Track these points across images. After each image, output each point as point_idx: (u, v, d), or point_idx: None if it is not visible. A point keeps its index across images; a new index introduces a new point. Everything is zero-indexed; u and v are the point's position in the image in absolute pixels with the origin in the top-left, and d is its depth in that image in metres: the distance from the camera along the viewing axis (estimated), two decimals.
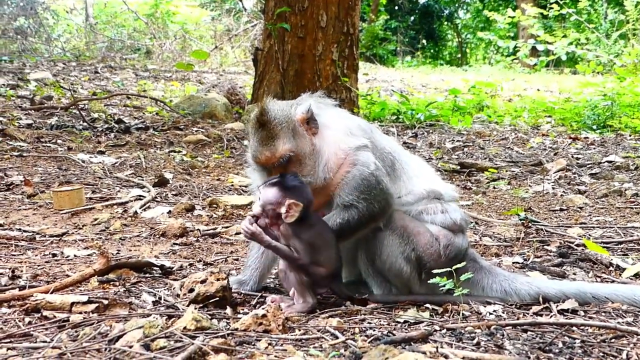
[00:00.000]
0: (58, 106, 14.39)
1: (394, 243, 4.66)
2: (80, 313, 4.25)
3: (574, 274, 5.46)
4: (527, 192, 9.14)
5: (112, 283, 4.99)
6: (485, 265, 5.02)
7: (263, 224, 4.51)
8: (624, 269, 5.50)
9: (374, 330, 4.05)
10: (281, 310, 4.11)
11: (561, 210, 8.09)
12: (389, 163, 4.85)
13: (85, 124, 12.92)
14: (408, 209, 4.83)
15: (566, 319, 4.32)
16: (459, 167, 10.77)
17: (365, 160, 4.67)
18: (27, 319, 4.16)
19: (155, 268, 5.36)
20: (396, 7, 50.39)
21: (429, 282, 4.59)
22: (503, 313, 4.51)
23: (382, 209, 4.65)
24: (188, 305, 4.41)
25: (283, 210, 4.40)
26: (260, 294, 4.84)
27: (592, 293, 4.71)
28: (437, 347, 3.66)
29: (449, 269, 4.52)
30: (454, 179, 10.05)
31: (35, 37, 27.45)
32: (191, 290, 4.53)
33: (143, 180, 8.98)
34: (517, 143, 13.53)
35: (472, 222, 6.59)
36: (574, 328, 4.10)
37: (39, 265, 5.47)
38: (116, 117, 14.03)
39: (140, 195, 8.06)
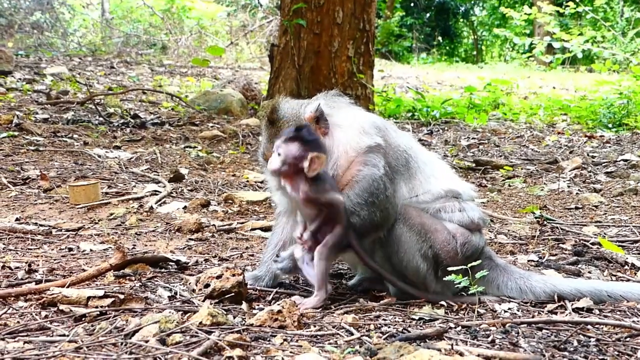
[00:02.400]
0: (74, 101, 14.41)
1: (411, 240, 4.66)
2: (97, 307, 4.27)
3: (589, 272, 5.45)
4: (542, 190, 9.12)
5: (128, 278, 5.02)
6: (500, 263, 5.01)
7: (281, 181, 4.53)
8: (639, 268, 5.49)
9: (389, 327, 4.06)
10: (296, 305, 4.12)
11: (576, 208, 8.07)
12: (403, 162, 4.84)
13: (101, 118, 12.95)
14: (425, 206, 4.83)
15: (581, 317, 4.32)
16: (474, 165, 10.76)
17: (376, 162, 4.66)
18: (43, 313, 4.18)
19: (170, 263, 5.38)
20: (412, 4, 50.32)
21: (444, 279, 4.59)
22: (518, 311, 4.51)
23: (383, 219, 4.65)
24: (204, 301, 4.43)
25: (306, 164, 4.38)
26: (275, 290, 4.85)
27: (608, 291, 4.71)
28: (452, 345, 3.66)
29: (464, 267, 4.52)
30: (469, 177, 10.04)
31: (51, 32, 27.49)
32: (207, 286, 4.54)
33: (159, 175, 9.00)
34: (532, 141, 13.49)
35: (489, 221, 6.57)
36: (589, 327, 4.10)
37: (55, 260, 5.49)
38: (132, 112, 14.06)
39: (155, 191, 8.09)
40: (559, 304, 4.62)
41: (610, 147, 12.90)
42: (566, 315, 4.40)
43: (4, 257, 5.44)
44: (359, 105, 5.20)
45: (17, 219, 6.76)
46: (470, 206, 4.96)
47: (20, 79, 17.53)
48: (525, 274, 4.96)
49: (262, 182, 8.93)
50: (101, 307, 4.28)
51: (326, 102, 4.88)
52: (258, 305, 4.52)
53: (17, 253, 5.66)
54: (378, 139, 4.77)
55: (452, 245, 4.74)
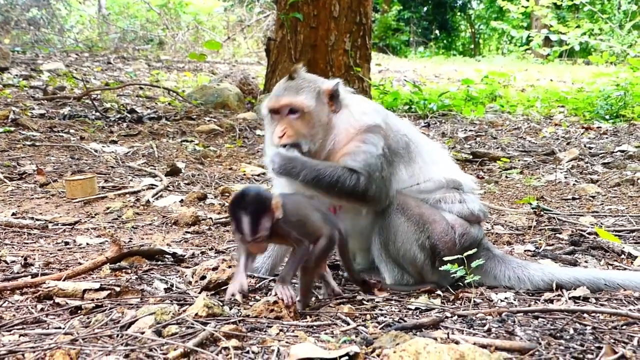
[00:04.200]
0: (71, 96, 14.41)
1: (409, 230, 4.67)
2: (93, 300, 4.27)
3: (586, 262, 5.45)
4: (539, 181, 9.12)
5: (124, 270, 5.02)
6: (498, 253, 5.02)
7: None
8: (636, 257, 5.49)
9: (385, 317, 4.06)
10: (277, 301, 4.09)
11: (573, 199, 8.07)
12: (403, 145, 4.87)
13: (97, 113, 12.95)
14: (426, 196, 4.84)
15: (577, 305, 4.32)
16: (471, 157, 10.75)
17: (375, 142, 4.70)
18: (39, 306, 4.19)
19: (167, 256, 5.38)
20: None
21: (440, 269, 4.59)
22: (514, 300, 4.51)
23: (375, 195, 4.65)
24: (200, 293, 4.43)
25: (278, 214, 4.21)
26: (272, 278, 4.84)
27: (605, 279, 4.71)
28: (448, 334, 3.67)
29: (460, 257, 4.51)
30: (466, 169, 10.02)
31: (48, 28, 27.47)
32: (203, 278, 4.54)
33: (155, 169, 9.00)
34: (529, 133, 13.49)
35: (489, 213, 6.54)
36: (585, 315, 4.10)
37: (51, 253, 5.49)
38: (129, 107, 14.07)
39: (152, 184, 8.08)
40: (557, 293, 4.62)
41: (607, 138, 12.89)
42: (562, 303, 4.40)
43: (0, 251, 5.43)
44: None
45: (13, 214, 6.76)
46: (470, 198, 4.97)
47: (16, 75, 17.53)
48: (523, 263, 4.96)
49: (258, 175, 8.94)
50: (97, 299, 4.29)
51: (342, 85, 4.94)
52: (254, 296, 4.52)
53: (13, 247, 5.66)
54: (378, 120, 4.82)
55: (450, 236, 4.75)
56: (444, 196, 4.89)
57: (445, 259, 4.54)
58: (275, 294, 4.07)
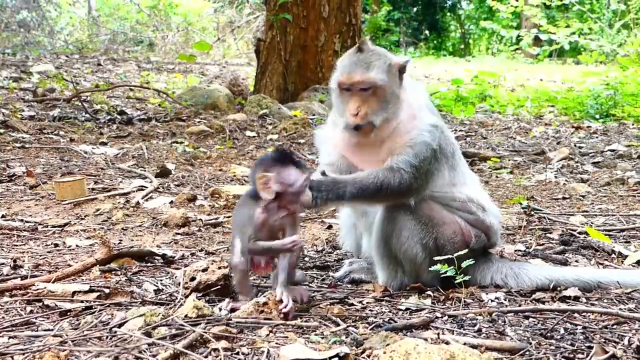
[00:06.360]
0: (60, 98, 14.41)
1: (416, 229, 4.65)
2: (82, 302, 4.26)
3: (576, 261, 5.46)
4: (529, 180, 9.12)
5: (113, 272, 5.00)
6: (492, 254, 5.02)
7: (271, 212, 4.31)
8: (626, 256, 5.50)
9: (376, 318, 4.05)
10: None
11: (564, 198, 8.07)
12: (451, 150, 4.89)
13: (87, 115, 12.94)
14: (452, 203, 4.85)
15: (568, 305, 4.32)
16: None
17: (434, 137, 4.70)
18: (28, 308, 4.18)
19: (157, 257, 5.37)
20: None
21: (430, 269, 4.59)
22: (505, 300, 4.51)
23: (417, 188, 4.65)
24: (189, 294, 4.42)
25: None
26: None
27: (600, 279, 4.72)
28: (438, 334, 3.67)
29: (451, 257, 4.51)
30: None
31: (38, 30, 27.43)
32: (192, 279, 4.53)
33: (145, 171, 8.98)
34: (519, 132, 13.50)
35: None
36: (576, 314, 4.11)
37: (41, 255, 5.48)
38: (119, 109, 14.05)
39: (142, 186, 8.06)
40: (547, 293, 4.62)
41: (597, 137, 12.91)
42: (553, 303, 4.40)
43: None
44: None
45: (2, 216, 6.74)
46: (493, 213, 4.97)
47: (6, 77, 17.52)
48: (517, 263, 4.98)
49: (248, 176, 8.92)
50: (86, 301, 4.28)
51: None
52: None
53: (2, 249, 5.65)
54: (440, 122, 4.88)
55: (459, 239, 4.74)
56: (466, 204, 4.89)
57: (435, 258, 4.53)
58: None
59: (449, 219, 4.79)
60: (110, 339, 3.58)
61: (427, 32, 52.12)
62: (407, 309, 4.28)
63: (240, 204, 4.49)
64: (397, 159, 4.62)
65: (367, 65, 4.66)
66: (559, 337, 3.73)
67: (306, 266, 5.28)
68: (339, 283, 4.91)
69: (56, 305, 4.18)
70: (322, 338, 3.64)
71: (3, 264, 5.15)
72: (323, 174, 4.57)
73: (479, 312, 4.13)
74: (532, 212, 7.06)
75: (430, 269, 4.61)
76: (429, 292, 4.63)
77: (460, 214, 4.84)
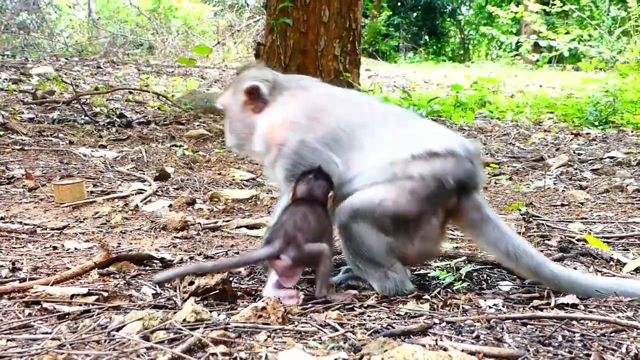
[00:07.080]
0: (60, 100, 14.40)
1: (366, 224, 4.52)
2: (80, 305, 4.26)
3: (575, 268, 5.45)
4: (528, 187, 9.13)
5: (112, 275, 5.00)
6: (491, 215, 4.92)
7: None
8: (625, 264, 5.50)
9: (374, 323, 4.04)
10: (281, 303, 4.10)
11: (562, 205, 8.08)
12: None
13: (87, 118, 12.95)
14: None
15: (566, 312, 4.32)
16: None
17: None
18: (27, 311, 4.16)
19: (155, 261, 5.37)
20: (399, 3, 50.35)
21: (428, 275, 4.58)
22: (503, 307, 4.50)
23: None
24: (188, 298, 4.41)
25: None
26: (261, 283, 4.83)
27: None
28: (436, 340, 3.66)
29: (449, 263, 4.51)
30: None
31: (37, 32, 27.43)
32: (191, 283, 4.52)
33: (144, 174, 8.99)
34: (518, 139, 13.51)
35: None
36: (574, 322, 4.10)
37: (39, 258, 5.47)
38: (118, 112, 14.04)
39: (141, 189, 8.07)
40: (545, 301, 4.61)
41: (596, 144, 12.92)
42: (551, 310, 4.40)
43: None
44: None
45: (1, 218, 6.74)
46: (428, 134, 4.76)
47: (6, 79, 17.50)
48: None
49: (248, 180, 8.93)
50: (85, 304, 4.27)
51: (273, 82, 4.87)
52: (243, 302, 4.51)
53: (1, 252, 5.64)
54: (304, 126, 4.72)
55: (411, 197, 4.52)
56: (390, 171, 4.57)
57: (434, 265, 4.53)
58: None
59: (382, 193, 4.52)
60: (109, 342, 3.58)
61: (426, 37, 52.22)
62: (405, 314, 4.27)
63: None
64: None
65: (228, 88, 4.95)
66: (557, 344, 3.73)
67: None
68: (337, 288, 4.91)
69: (54, 309, 4.17)
70: (320, 343, 3.63)
71: (2, 266, 5.14)
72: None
73: (477, 318, 4.12)
74: (531, 219, 7.07)
75: (413, 246, 4.58)
76: (427, 297, 4.63)
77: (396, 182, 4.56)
